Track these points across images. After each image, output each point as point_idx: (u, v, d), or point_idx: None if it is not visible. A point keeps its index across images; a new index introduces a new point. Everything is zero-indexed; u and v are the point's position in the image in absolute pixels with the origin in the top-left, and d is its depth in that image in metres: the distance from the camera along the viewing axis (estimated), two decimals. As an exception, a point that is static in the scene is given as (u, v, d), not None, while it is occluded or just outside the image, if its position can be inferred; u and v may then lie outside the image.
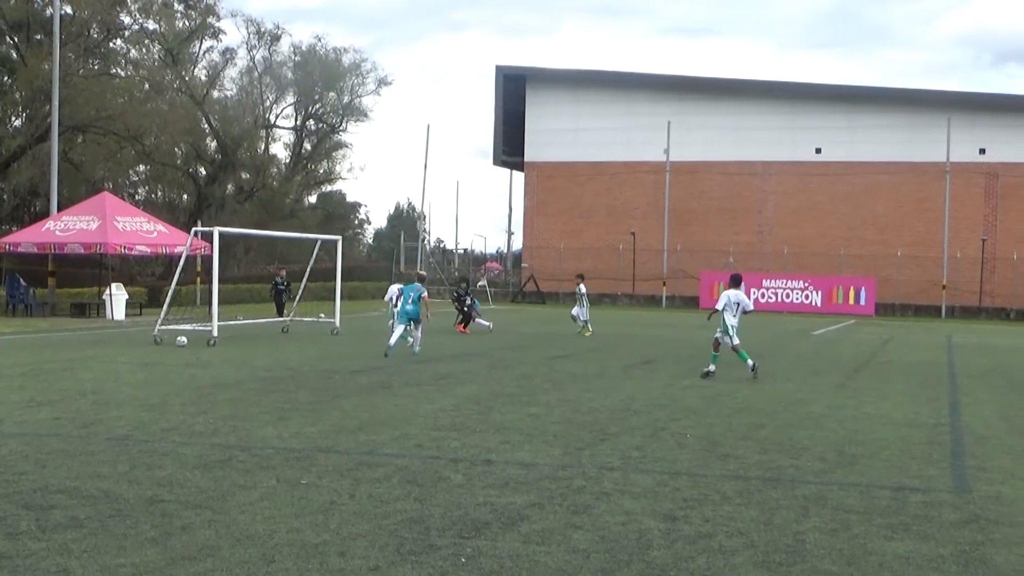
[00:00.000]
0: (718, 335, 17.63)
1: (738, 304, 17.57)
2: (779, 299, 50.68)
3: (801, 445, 10.83)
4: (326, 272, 33.95)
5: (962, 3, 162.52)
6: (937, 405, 14.79)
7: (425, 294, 21.19)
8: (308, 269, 30.23)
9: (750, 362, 17.32)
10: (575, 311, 28.88)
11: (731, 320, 17.39)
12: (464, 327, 28.54)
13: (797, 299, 50.56)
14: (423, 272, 25.08)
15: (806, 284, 50.74)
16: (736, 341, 17.42)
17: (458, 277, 32.46)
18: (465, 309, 28.88)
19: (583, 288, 28.55)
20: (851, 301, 49.83)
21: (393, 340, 20.72)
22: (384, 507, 7.62)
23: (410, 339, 21.03)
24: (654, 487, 8.58)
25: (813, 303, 50.02)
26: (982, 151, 53.57)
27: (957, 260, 51.73)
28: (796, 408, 13.89)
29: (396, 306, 23.52)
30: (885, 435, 11.67)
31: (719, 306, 17.60)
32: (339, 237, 29.58)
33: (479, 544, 6.72)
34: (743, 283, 18.69)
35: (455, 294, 30.61)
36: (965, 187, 52.65)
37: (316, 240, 29.98)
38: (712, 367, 17.53)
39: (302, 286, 30.36)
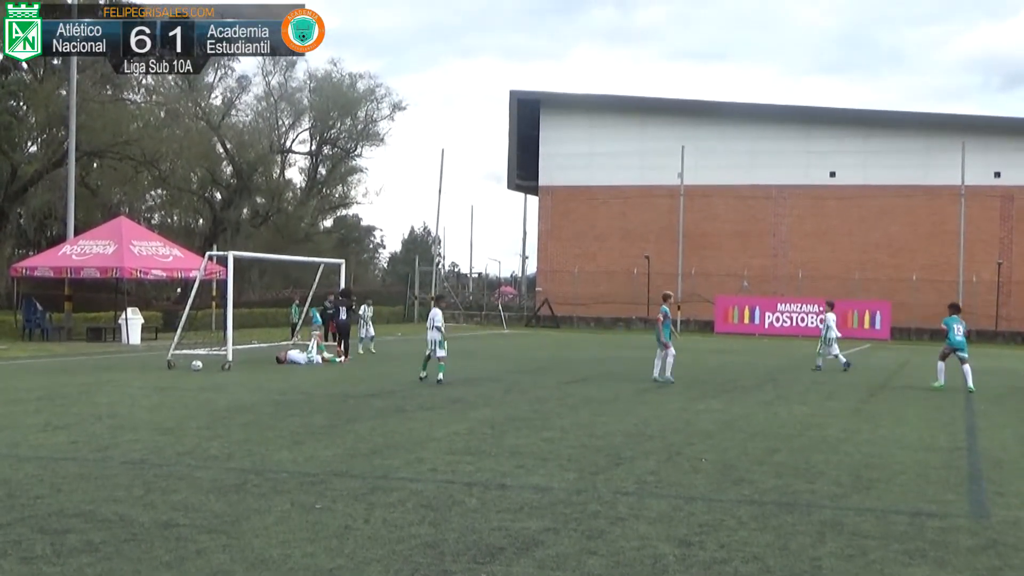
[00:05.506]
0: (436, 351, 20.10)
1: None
2: (794, 323, 50.50)
3: (817, 469, 10.77)
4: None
5: (969, 28, 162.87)
6: (954, 429, 14.70)
7: None
8: (311, 294, 30.53)
9: (441, 376, 19.53)
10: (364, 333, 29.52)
11: (436, 336, 19.94)
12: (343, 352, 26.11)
13: (811, 323, 50.27)
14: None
15: (820, 308, 50.50)
16: (441, 353, 19.91)
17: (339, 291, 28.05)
18: (339, 328, 26.03)
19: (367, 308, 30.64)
20: (866, 325, 49.56)
21: None
22: (398, 532, 7.61)
23: None
24: (669, 512, 8.55)
25: (828, 327, 49.73)
26: (997, 174, 53.42)
27: (973, 284, 51.50)
28: (811, 432, 13.83)
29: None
30: (901, 459, 11.61)
31: (437, 324, 20.13)
32: (342, 261, 30.04)
33: (493, 569, 6.70)
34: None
35: (325, 310, 27.06)
36: (980, 210, 52.45)
37: (319, 264, 30.44)
38: (440, 375, 19.68)
39: (303, 310, 30.56)
